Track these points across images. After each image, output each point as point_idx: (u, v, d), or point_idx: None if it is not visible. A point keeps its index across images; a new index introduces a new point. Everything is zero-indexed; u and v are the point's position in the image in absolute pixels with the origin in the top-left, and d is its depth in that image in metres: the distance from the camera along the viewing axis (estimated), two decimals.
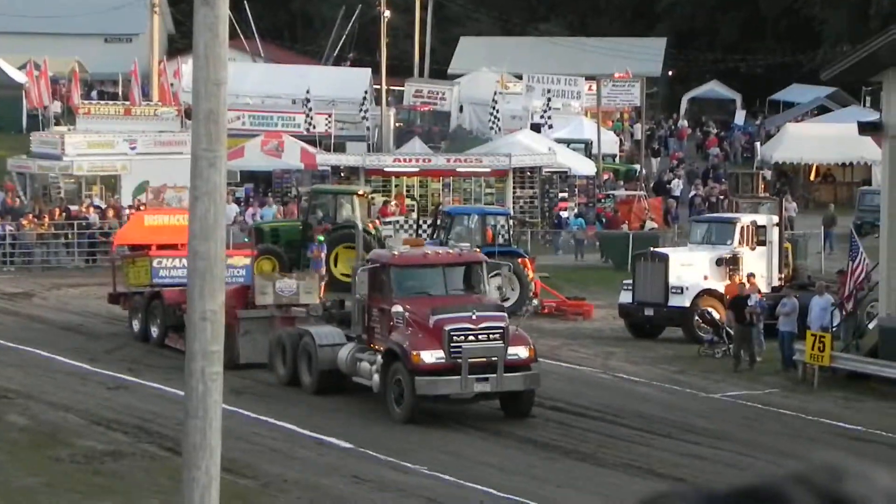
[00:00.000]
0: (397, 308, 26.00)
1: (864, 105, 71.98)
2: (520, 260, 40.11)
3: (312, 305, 30.90)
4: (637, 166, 65.26)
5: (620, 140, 72.44)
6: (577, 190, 57.41)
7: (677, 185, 63.41)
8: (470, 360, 25.50)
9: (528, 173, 53.00)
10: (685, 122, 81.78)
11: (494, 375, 25.66)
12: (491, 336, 25.84)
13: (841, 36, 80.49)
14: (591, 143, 63.60)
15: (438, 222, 42.32)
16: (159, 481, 21.59)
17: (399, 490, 22.04)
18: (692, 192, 61.20)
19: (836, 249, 48.30)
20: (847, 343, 31.54)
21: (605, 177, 61.67)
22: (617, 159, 68.97)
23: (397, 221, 48.87)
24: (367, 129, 65.55)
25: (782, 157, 65.23)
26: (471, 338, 25.72)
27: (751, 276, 34.94)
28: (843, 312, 32.14)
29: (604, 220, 54.82)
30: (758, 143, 71.48)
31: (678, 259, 36.58)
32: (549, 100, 67.61)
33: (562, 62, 79.10)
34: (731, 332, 33.48)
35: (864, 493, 1.21)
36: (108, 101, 67.07)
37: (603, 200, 57.60)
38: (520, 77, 74.85)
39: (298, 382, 28.66)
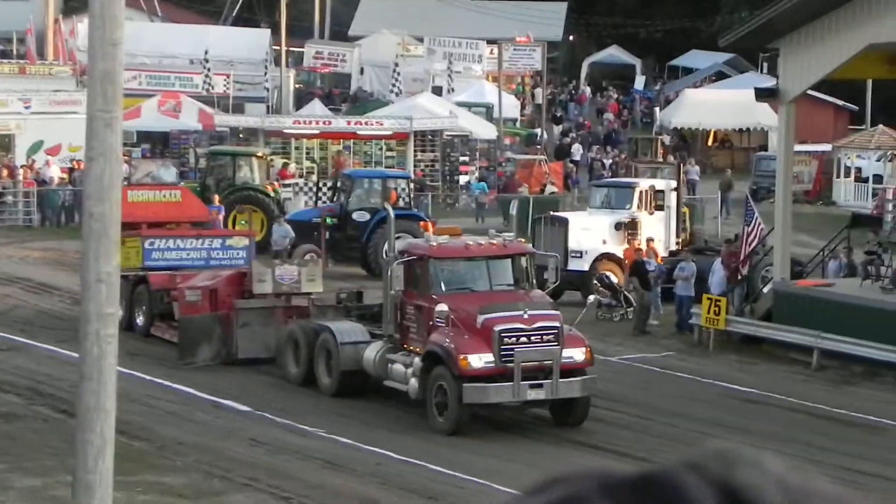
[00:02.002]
0: (442, 306, 23.21)
1: (762, 71, 72.74)
2: (420, 223, 40.10)
3: (315, 295, 28.32)
4: (538, 130, 65.44)
5: (522, 104, 72.58)
6: (478, 154, 57.46)
7: (577, 150, 63.68)
8: (522, 364, 22.86)
9: (430, 137, 52.94)
10: (586, 87, 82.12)
11: (549, 381, 23.04)
12: (545, 337, 23.19)
13: (739, 3, 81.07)
14: (493, 106, 63.65)
15: (339, 185, 42.13)
16: (53, 444, 21.33)
17: (296, 453, 21.96)
18: (592, 157, 61.50)
19: (732, 214, 48.82)
20: (741, 307, 31.91)
21: (507, 141, 61.78)
22: (518, 123, 69.11)
23: (296, 184, 48.61)
24: (266, 90, 65.06)
25: (681, 123, 65.78)
26: (523, 339, 23.06)
27: (650, 240, 35.21)
28: (739, 276, 32.48)
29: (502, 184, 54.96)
30: (657, 109, 71.99)
31: (578, 223, 36.75)
32: (450, 63, 67.51)
33: (463, 26, 78.96)
34: (630, 295, 33.76)
35: (756, 480, 1.21)
36: (3, 60, 65.92)
37: (503, 164, 57.71)
38: (421, 40, 74.66)
39: (313, 382, 25.79)
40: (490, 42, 72.34)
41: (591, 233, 36.50)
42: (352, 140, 51.39)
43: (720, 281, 32.04)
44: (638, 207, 37.16)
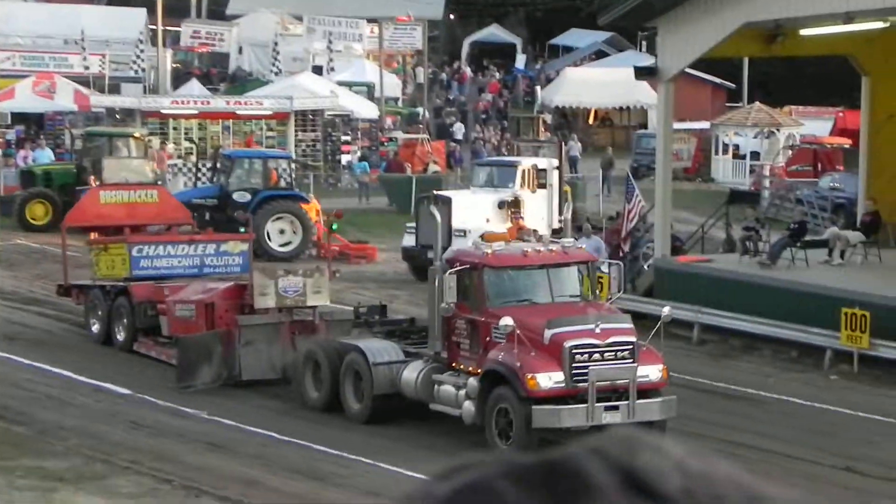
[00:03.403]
0: (507, 320, 20.78)
1: (641, 50, 73.32)
2: (301, 204, 39.88)
3: (322, 308, 25.74)
4: (420, 109, 65.35)
5: (403, 83, 72.41)
6: (359, 133, 57.23)
7: (460, 129, 63.70)
8: (597, 383, 20.64)
9: (311, 116, 52.60)
10: (466, 66, 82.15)
11: (626, 403, 20.78)
12: (619, 354, 20.96)
13: None
14: (374, 86, 63.42)
15: (218, 166, 41.70)
16: None
17: (179, 435, 21.74)
18: (474, 136, 61.56)
19: (613, 192, 49.15)
20: (623, 283, 32.07)
21: (389, 120, 61.61)
22: (400, 102, 68.94)
23: (175, 165, 48.05)
24: (142, 70, 64.19)
25: (562, 102, 66.08)
26: (595, 356, 20.82)
27: (519, 218, 35.35)
28: (620, 254, 32.68)
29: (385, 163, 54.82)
30: (538, 87, 72.24)
31: (461, 202, 36.75)
32: (330, 42, 67.13)
33: (343, 5, 78.51)
34: None
35: (657, 464, 1.25)
36: None
37: (386, 143, 57.54)
38: (300, 19, 74.16)
39: (338, 408, 23.10)
40: (370, 21, 72.06)
41: (474, 212, 36.51)
42: (231, 120, 50.90)
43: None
44: (521, 186, 37.27)
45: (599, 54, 79.08)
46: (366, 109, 59.25)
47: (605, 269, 25.00)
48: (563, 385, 20.65)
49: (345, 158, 54.05)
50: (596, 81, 65.48)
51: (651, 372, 21.10)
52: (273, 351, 24.82)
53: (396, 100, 68.28)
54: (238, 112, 51.01)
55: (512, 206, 36.52)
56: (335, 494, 19.20)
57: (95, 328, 28.06)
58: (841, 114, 54.98)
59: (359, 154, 54.97)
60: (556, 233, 36.17)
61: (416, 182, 46.65)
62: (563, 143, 43.64)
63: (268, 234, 38.56)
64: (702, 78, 63.47)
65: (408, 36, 74.00)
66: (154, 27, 67.39)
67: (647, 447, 1.27)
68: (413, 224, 37.32)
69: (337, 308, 26.84)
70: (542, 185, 37.63)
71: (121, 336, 27.44)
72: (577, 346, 20.69)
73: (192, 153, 48.16)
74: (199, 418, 22.76)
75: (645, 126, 61.66)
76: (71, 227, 31.47)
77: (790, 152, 52.88)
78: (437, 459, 18.28)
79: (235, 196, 39.34)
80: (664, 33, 31.97)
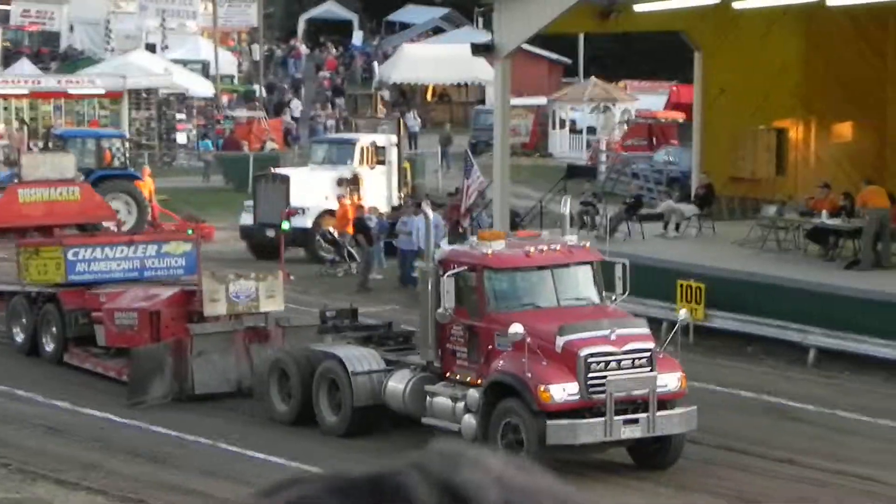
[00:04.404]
0: (517, 328, 18.97)
1: (478, 26, 73.52)
2: (136, 182, 39.35)
3: (274, 313, 23.96)
4: (256, 87, 64.79)
5: (239, 61, 71.72)
6: (195, 111, 56.57)
7: (297, 106, 63.30)
8: (615, 395, 18.95)
9: (144, 95, 51.88)
10: (302, 43, 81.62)
11: (645, 415, 19.07)
12: (636, 362, 19.26)
13: None
14: (209, 63, 62.72)
15: (50, 146, 40.88)
16: None
17: (15, 420, 21.43)
18: (311, 113, 61.24)
19: (452, 168, 49.29)
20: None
21: (225, 98, 60.98)
22: (236, 80, 68.29)
23: (7, 146, 47.03)
24: None
25: (400, 78, 66.01)
26: (612, 365, 19.14)
27: (358, 197, 35.30)
28: (460, 230, 32.78)
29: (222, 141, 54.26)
30: (375, 64, 72.06)
31: (299, 180, 36.54)
32: (163, 20, 66.17)
33: None
34: (353, 251, 33.75)
35: (476, 478, 1.27)
36: None
37: (222, 122, 56.96)
38: None
39: (310, 420, 21.22)
40: None
41: (312, 189, 36.33)
42: (63, 99, 49.94)
43: (424, 236, 32.13)
44: (359, 163, 37.17)
45: (437, 30, 79.15)
46: (201, 87, 58.58)
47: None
48: (578, 397, 18.92)
49: (180, 137, 53.39)
50: (433, 58, 65.52)
51: (670, 381, 19.38)
52: (227, 362, 23.01)
53: (232, 77, 67.60)
54: (70, 91, 50.08)
55: (351, 184, 36.41)
56: (174, 476, 19.01)
57: (20, 338, 25.94)
58: (675, 88, 55.79)
59: (194, 132, 54.35)
60: (396, 210, 36.19)
61: (254, 160, 46.27)
62: (401, 120, 43.60)
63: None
64: (538, 54, 63.92)
65: (242, 13, 73.24)
66: None
67: (468, 462, 1.30)
68: (251, 202, 37.01)
69: (293, 313, 25.09)
70: (381, 162, 37.57)
71: (49, 347, 25.34)
72: (592, 355, 19.00)
73: (22, 132, 47.11)
74: (35, 401, 22.42)
75: (483, 102, 61.91)
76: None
77: (626, 127, 53.55)
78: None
79: None
80: (500, 9, 32.06)
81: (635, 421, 18.98)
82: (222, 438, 20.43)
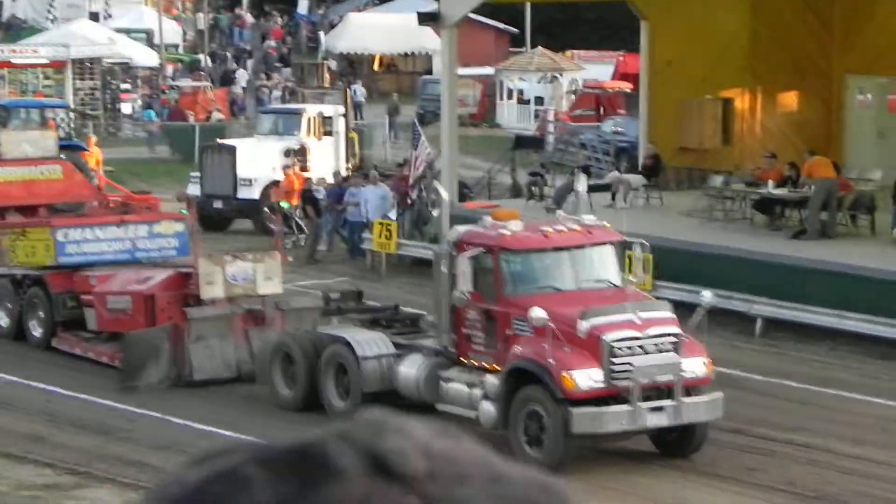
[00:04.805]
0: (539, 312, 18.20)
1: None
2: (82, 153, 39.02)
3: (273, 296, 23.23)
4: (201, 56, 64.36)
5: (183, 30, 71.20)
6: (140, 81, 56.14)
7: (242, 76, 62.94)
8: (642, 381, 18.31)
9: (88, 64, 51.44)
10: (247, 12, 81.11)
11: (672, 403, 18.43)
12: (662, 347, 18.61)
13: None
14: (153, 32, 62.24)
15: None
16: None
17: None
18: (258, 83, 60.90)
19: (400, 138, 49.18)
20: (412, 231, 32.19)
21: (170, 67, 60.55)
22: (181, 49, 67.80)
23: None
24: None
25: (346, 48, 65.70)
26: (638, 350, 18.47)
27: (301, 168, 35.25)
28: (409, 201, 32.73)
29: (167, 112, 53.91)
30: (322, 33, 71.71)
31: (246, 151, 36.37)
32: None
33: None
34: (301, 223, 33.65)
35: (400, 446, 1.29)
36: None
37: (167, 92, 56.57)
38: None
39: (317, 406, 20.44)
40: None
41: (259, 160, 36.16)
42: (6, 69, 49.46)
43: (378, 206, 32.12)
44: (306, 134, 37.03)
45: None
46: (145, 57, 58.14)
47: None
48: (602, 384, 18.27)
49: (125, 107, 53.00)
50: (380, 27, 65.24)
51: (696, 366, 18.70)
52: (226, 347, 22.42)
53: (177, 47, 67.12)
54: (13, 60, 49.60)
55: (298, 154, 36.27)
56: (123, 448, 18.95)
57: (4, 322, 25.18)
58: (622, 58, 55.82)
59: (139, 102, 53.96)
60: (345, 180, 36.08)
61: (200, 131, 45.99)
62: (348, 90, 43.44)
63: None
64: (485, 23, 63.79)
65: None
66: None
67: (392, 429, 1.31)
68: (197, 173, 36.81)
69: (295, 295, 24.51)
70: (329, 133, 37.45)
71: (37, 332, 24.61)
72: (617, 340, 18.31)
73: None
74: None
75: (430, 72, 61.71)
76: None
77: (573, 97, 53.56)
78: None
79: None
80: None
81: (661, 408, 18.38)
82: (170, 412, 20.33)
